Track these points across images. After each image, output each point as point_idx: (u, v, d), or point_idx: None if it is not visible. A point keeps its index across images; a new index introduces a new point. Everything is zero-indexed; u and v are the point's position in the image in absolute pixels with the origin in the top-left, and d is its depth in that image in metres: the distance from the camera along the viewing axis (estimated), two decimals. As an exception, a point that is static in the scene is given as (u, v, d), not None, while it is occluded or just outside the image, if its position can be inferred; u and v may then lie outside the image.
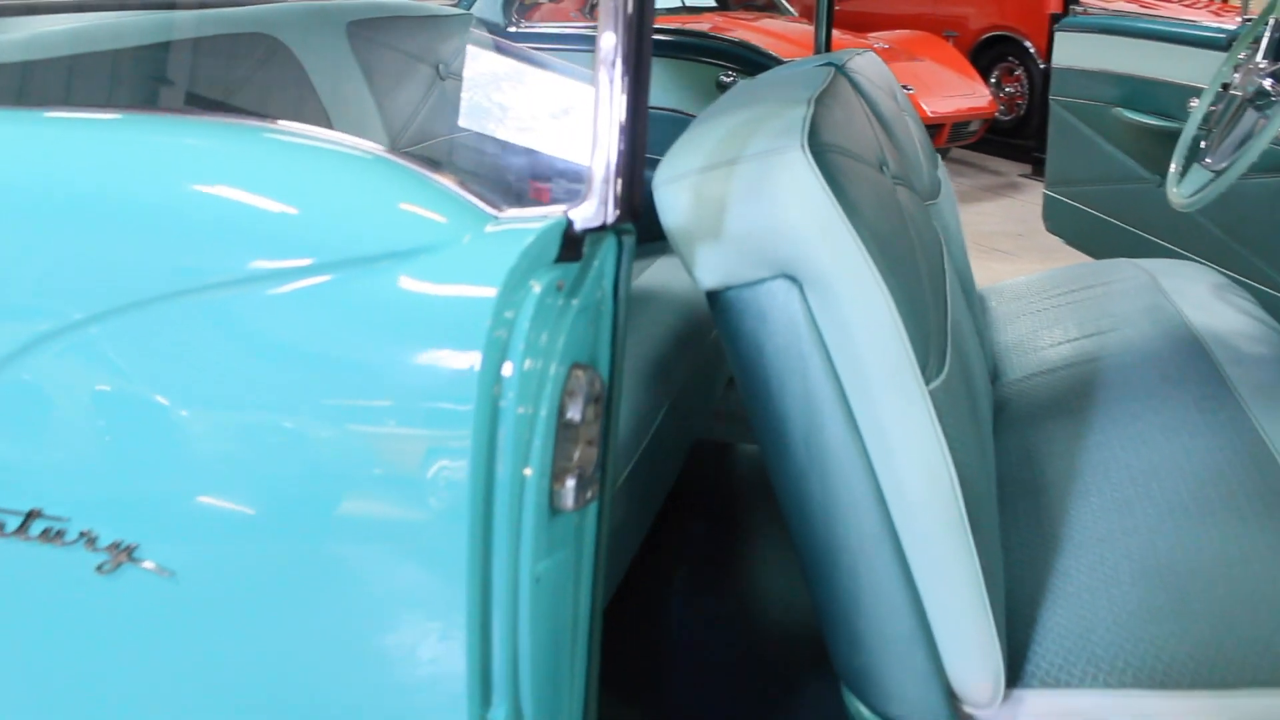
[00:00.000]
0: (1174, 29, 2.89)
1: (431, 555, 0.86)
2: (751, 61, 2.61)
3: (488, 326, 0.81)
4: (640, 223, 0.91)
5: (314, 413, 0.86)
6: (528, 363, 0.82)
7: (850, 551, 1.06)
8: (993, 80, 7.76)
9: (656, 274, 2.09)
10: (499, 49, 2.54)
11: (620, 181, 0.86)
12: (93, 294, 0.89)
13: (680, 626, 1.78)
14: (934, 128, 6.24)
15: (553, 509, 0.87)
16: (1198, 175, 1.88)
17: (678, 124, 2.30)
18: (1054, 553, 1.23)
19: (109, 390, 0.90)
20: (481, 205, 0.88)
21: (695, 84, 2.60)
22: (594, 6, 8.49)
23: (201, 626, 0.92)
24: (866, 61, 1.75)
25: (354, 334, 0.86)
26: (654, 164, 1.04)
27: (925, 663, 1.07)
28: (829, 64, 1.50)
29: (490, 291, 0.81)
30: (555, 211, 0.87)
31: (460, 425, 0.82)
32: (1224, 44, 2.52)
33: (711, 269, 1.03)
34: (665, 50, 2.74)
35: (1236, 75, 1.91)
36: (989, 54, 7.88)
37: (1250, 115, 1.84)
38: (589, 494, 0.90)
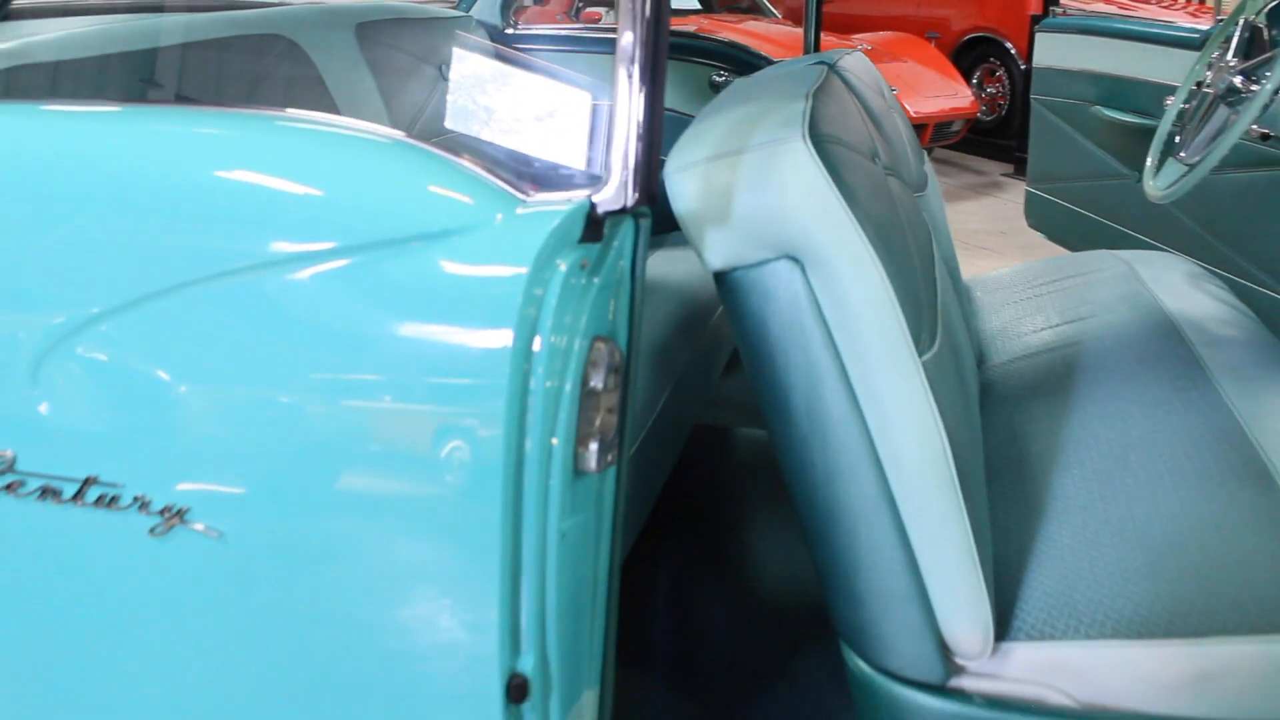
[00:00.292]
0: (1150, 29, 2.97)
1: (466, 516, 0.93)
2: (743, 61, 2.68)
3: (519, 304, 0.88)
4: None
5: (353, 384, 0.93)
6: (555, 338, 0.90)
7: (849, 513, 1.13)
8: (974, 81, 7.85)
9: (657, 265, 2.16)
10: (497, 49, 2.62)
11: (638, 168, 0.93)
12: (143, 276, 0.96)
13: (686, 593, 1.86)
14: (918, 128, 6.31)
15: (577, 471, 0.95)
16: (1172, 169, 1.95)
17: (673, 122, 2.38)
18: (1038, 520, 1.31)
19: (160, 364, 0.96)
20: (510, 189, 0.95)
21: (689, 83, 2.67)
22: (579, 10, 8.51)
23: (249, 583, 0.98)
24: (856, 61, 1.83)
25: (390, 312, 0.93)
26: None
27: (920, 617, 1.15)
28: (821, 63, 1.57)
29: (522, 270, 0.89)
30: (579, 195, 0.94)
31: (494, 397, 0.89)
32: (1198, 43, 2.60)
33: (719, 251, 1.11)
34: None
35: (1209, 73, 1.99)
36: (971, 55, 7.97)
37: (1222, 111, 1.92)
38: (609, 457, 0.98)
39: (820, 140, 1.10)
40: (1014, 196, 5.94)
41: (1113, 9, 7.96)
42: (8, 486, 0.99)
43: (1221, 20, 2.52)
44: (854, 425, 1.11)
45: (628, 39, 0.92)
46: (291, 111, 1.04)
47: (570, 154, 1.23)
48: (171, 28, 1.85)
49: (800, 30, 2.54)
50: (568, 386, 0.92)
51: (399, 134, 1.01)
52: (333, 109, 2.05)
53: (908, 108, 6.17)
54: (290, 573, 0.98)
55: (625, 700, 1.17)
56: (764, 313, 1.12)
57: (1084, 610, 1.17)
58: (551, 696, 1.00)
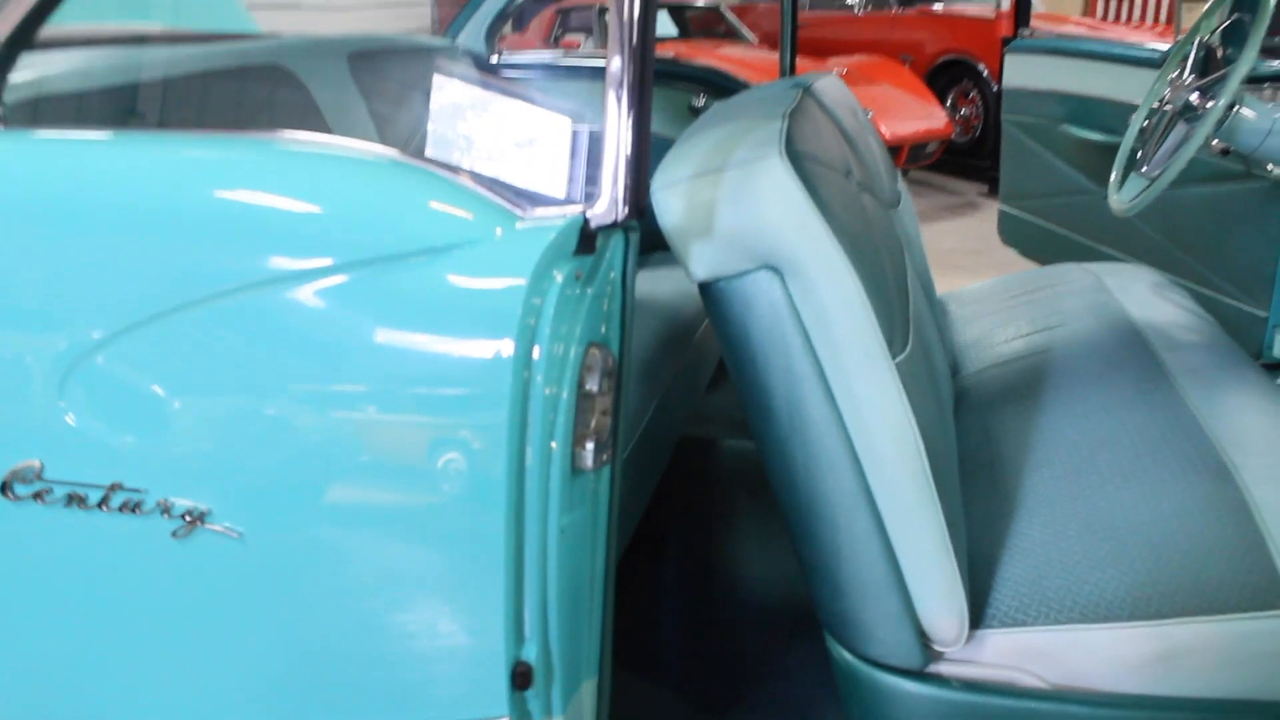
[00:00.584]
0: (1114, 50, 3.06)
1: (472, 515, 1.00)
2: (721, 85, 2.76)
3: (520, 314, 0.95)
4: None
5: (361, 392, 1.00)
6: (553, 346, 0.97)
7: (830, 508, 1.20)
8: (949, 103, 7.93)
9: (642, 283, 2.24)
10: (482, 78, 2.70)
11: (628, 184, 1.00)
12: (161, 294, 1.02)
13: (676, 594, 1.93)
14: (893, 149, 6.40)
15: (574, 470, 1.01)
16: (1135, 183, 2.03)
17: (654, 144, 2.45)
18: (1010, 515, 1.38)
19: (180, 377, 1.03)
20: (509, 205, 1.02)
21: (669, 108, 2.74)
22: (558, 39, 8.58)
23: (269, 580, 1.04)
24: (830, 84, 1.91)
25: (399, 322, 0.99)
26: None
27: (899, 606, 1.21)
28: (797, 85, 1.65)
29: (521, 281, 0.96)
30: (573, 210, 1.02)
31: (497, 403, 0.96)
32: (1159, 63, 2.68)
33: (703, 263, 1.18)
34: None
35: (1168, 91, 2.07)
36: (944, 77, 8.05)
37: (1181, 127, 1.99)
38: (604, 456, 1.04)
39: (796, 158, 1.17)
40: (989, 216, 6.03)
41: (1083, 30, 8.11)
42: (36, 494, 1.04)
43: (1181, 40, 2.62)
44: (832, 424, 1.18)
45: (616, 65, 0.99)
46: (299, 135, 1.11)
47: (552, 176, 1.30)
48: (177, 59, 1.93)
49: (776, 55, 2.62)
50: (565, 391, 0.99)
51: (398, 154, 1.08)
52: (327, 133, 2.14)
53: (883, 130, 6.26)
54: (307, 570, 1.04)
55: (619, 694, 1.23)
56: (746, 320, 1.19)
57: (1053, 598, 1.23)
58: (554, 684, 1.06)
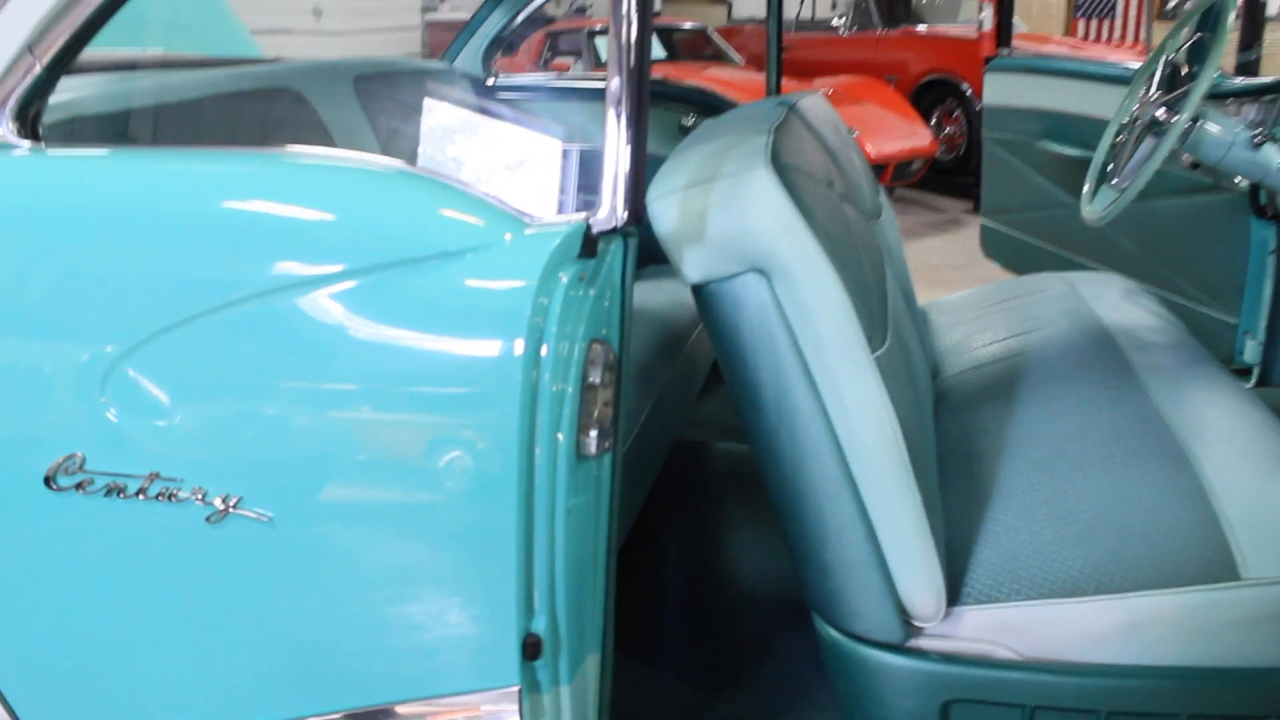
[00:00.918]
0: (1088, 68, 3.16)
1: (486, 498, 1.08)
2: (710, 105, 2.86)
3: (529, 314, 1.04)
4: None
5: (380, 386, 1.09)
6: (559, 344, 1.06)
7: (816, 493, 1.29)
8: (933, 121, 8.03)
9: (637, 294, 2.33)
10: (479, 99, 2.80)
11: (627, 193, 1.10)
12: (194, 299, 1.11)
13: (673, 585, 2.02)
14: (878, 167, 6.49)
15: (579, 456, 1.10)
16: (1106, 195, 2.13)
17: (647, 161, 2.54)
18: (986, 504, 1.47)
19: (214, 374, 1.11)
20: (517, 212, 1.11)
21: (660, 127, 2.83)
22: (548, 62, 8.66)
23: (296, 560, 1.13)
24: (814, 102, 2.01)
25: (417, 322, 1.09)
26: None
27: (880, 585, 1.30)
28: (783, 104, 1.75)
29: (531, 282, 1.05)
30: (577, 217, 1.11)
31: (508, 396, 1.05)
32: (1130, 80, 2.79)
33: (696, 266, 1.27)
34: None
35: (1136, 107, 2.17)
36: (929, 97, 8.17)
37: (1149, 141, 2.09)
38: (606, 444, 1.13)
39: (782, 169, 1.27)
40: (973, 232, 6.08)
41: (1064, 50, 8.24)
42: (78, 485, 1.13)
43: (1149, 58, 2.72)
44: (817, 415, 1.27)
45: (615, 84, 1.08)
46: (320, 150, 1.20)
47: (545, 192, 1.39)
48: (194, 82, 2.05)
49: (762, 76, 2.72)
50: (570, 386, 1.08)
51: (409, 166, 1.18)
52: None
53: (868, 148, 6.35)
54: (333, 550, 1.13)
55: (620, 679, 1.31)
56: (736, 319, 1.28)
57: (1025, 576, 1.33)
58: (561, 656, 1.15)
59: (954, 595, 1.34)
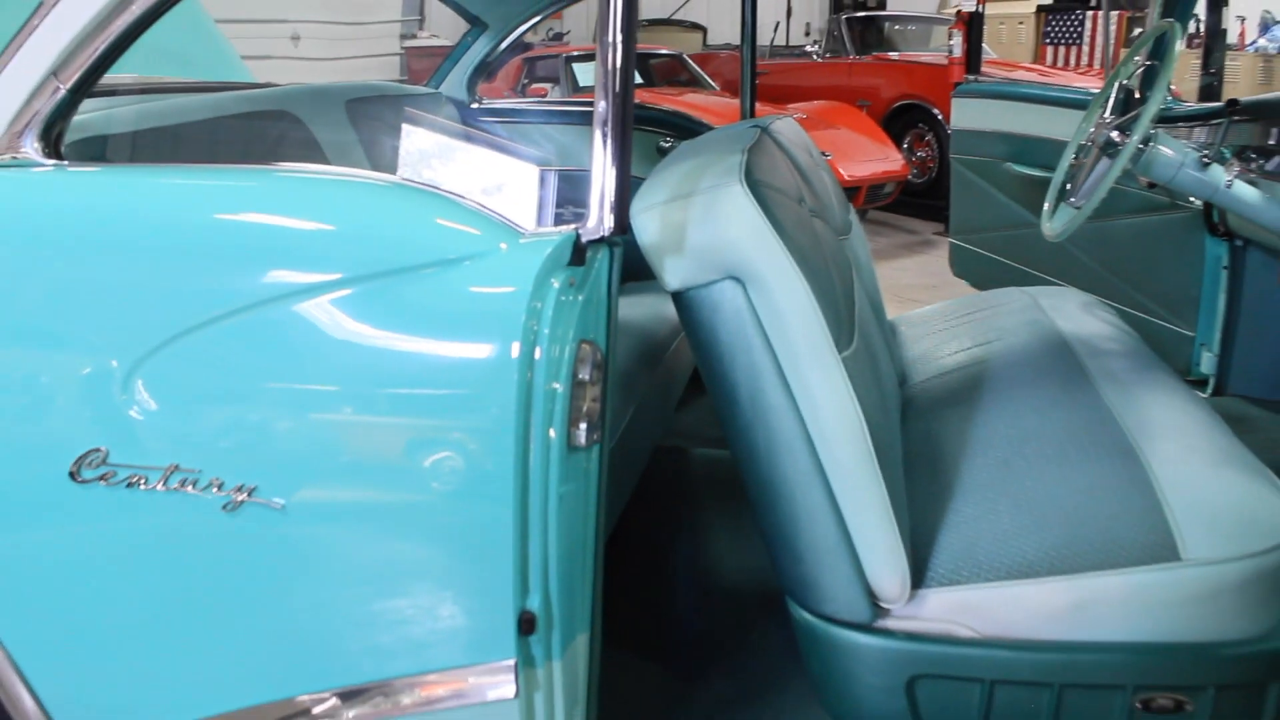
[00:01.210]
0: (1050, 93, 3.29)
1: (486, 487, 1.17)
2: (686, 128, 2.97)
3: (523, 318, 1.13)
4: None
5: (383, 384, 1.18)
6: (551, 346, 1.15)
7: (788, 484, 1.39)
8: (905, 145, 8.16)
9: (620, 308, 2.43)
10: (464, 123, 2.91)
11: (613, 205, 1.19)
12: (209, 304, 1.20)
13: (654, 580, 2.12)
14: (851, 190, 6.59)
15: (570, 447, 1.19)
16: (1064, 213, 2.24)
17: None
18: (949, 497, 1.57)
19: (230, 373, 1.20)
20: (511, 223, 1.21)
21: (638, 149, 2.92)
22: (525, 87, 8.72)
23: (307, 544, 1.21)
24: (786, 125, 2.12)
25: (419, 327, 1.18)
26: None
27: (849, 569, 1.40)
28: (756, 126, 1.86)
29: (525, 288, 1.14)
30: (567, 228, 1.20)
31: (505, 393, 1.14)
32: (1089, 104, 2.91)
33: (676, 275, 1.38)
34: None
35: (1093, 129, 2.28)
36: (901, 121, 8.30)
37: (1105, 162, 2.20)
38: (595, 436, 1.23)
39: (755, 185, 1.38)
40: (944, 253, 6.20)
41: (1033, 76, 8.41)
42: (102, 477, 1.21)
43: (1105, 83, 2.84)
44: (789, 411, 1.37)
45: (602, 106, 1.18)
46: (324, 167, 1.30)
47: (524, 208, 1.48)
48: (198, 105, 2.15)
49: (737, 101, 2.84)
50: (562, 384, 1.17)
51: (405, 179, 1.27)
52: None
53: (842, 172, 6.45)
54: (341, 535, 1.22)
55: (605, 668, 1.40)
56: (714, 324, 1.38)
57: (984, 560, 1.42)
58: (554, 632, 1.24)
59: (918, 578, 1.43)
